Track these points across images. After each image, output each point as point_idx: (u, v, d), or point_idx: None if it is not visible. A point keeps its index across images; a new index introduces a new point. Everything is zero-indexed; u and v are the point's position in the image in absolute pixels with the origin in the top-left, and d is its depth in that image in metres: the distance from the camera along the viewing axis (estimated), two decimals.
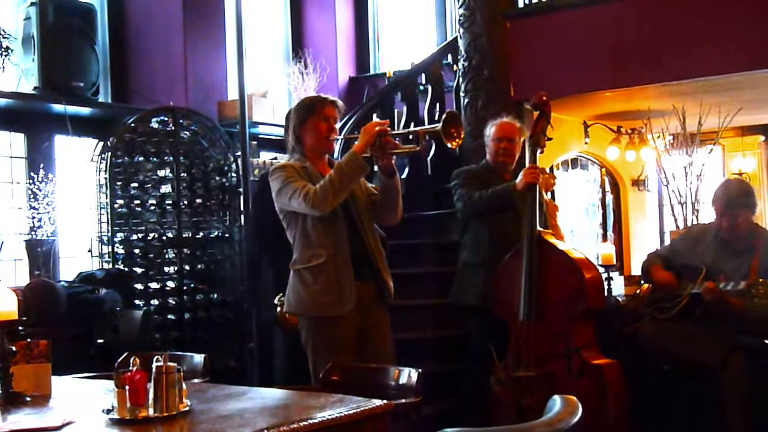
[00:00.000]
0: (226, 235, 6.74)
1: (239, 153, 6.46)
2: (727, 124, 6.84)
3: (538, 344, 4.63)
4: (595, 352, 4.70)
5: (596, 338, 4.74)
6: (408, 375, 3.23)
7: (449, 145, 3.80)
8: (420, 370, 3.21)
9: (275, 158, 7.50)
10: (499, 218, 4.93)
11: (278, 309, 4.81)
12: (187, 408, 2.55)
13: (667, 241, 7.71)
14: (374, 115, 7.43)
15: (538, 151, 4.85)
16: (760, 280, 4.32)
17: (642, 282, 5.09)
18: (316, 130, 3.94)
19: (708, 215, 5.21)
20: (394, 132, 3.90)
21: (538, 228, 4.74)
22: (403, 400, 3.08)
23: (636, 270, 6.13)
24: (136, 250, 6.29)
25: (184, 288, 6.49)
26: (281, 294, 4.32)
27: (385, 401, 2.65)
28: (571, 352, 4.57)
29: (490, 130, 5.11)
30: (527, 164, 4.81)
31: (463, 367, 5.31)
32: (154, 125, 6.48)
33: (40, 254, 5.81)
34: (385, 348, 3.98)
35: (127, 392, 2.48)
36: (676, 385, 4.81)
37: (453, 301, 5.12)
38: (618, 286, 6.24)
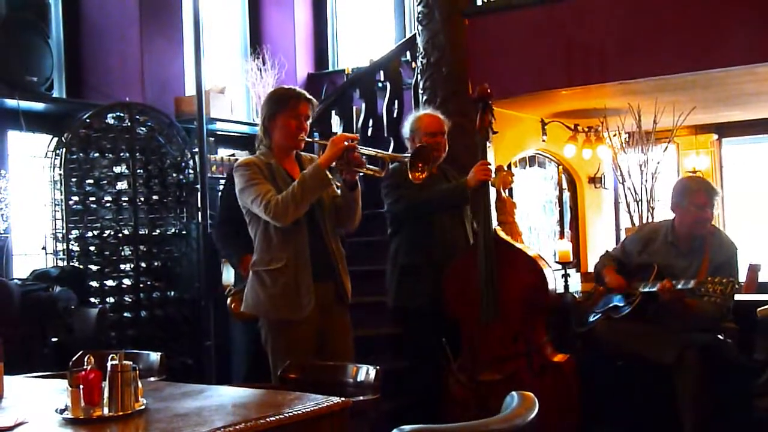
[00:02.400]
0: (183, 232, 6.68)
1: (196, 149, 6.41)
2: (681, 123, 6.94)
3: (496, 344, 4.65)
4: (551, 349, 4.74)
5: (550, 335, 4.77)
6: (366, 372, 3.23)
7: (410, 177, 3.73)
8: (378, 367, 3.22)
9: (233, 155, 7.45)
10: (439, 218, 4.82)
11: (228, 300, 4.79)
12: (143, 407, 2.52)
13: (623, 238, 7.80)
14: (333, 112, 7.43)
15: (488, 144, 4.82)
16: (709, 278, 4.38)
17: (596, 283, 5.14)
18: (286, 127, 3.87)
19: (663, 212, 5.27)
20: (362, 150, 3.82)
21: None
22: (362, 398, 3.08)
23: (592, 267, 6.19)
24: (92, 248, 6.21)
25: (141, 285, 6.43)
26: (231, 286, 4.30)
27: (343, 399, 2.65)
28: (531, 351, 4.60)
29: (418, 124, 4.91)
30: (479, 160, 4.77)
31: (413, 366, 5.24)
32: (110, 121, 6.40)
33: None
34: (344, 347, 3.97)
35: (81, 391, 2.45)
36: (630, 381, 4.86)
37: (395, 305, 4.94)
38: (575, 283, 6.29)
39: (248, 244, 4.03)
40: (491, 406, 4.37)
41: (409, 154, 3.74)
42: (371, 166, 3.92)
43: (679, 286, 4.47)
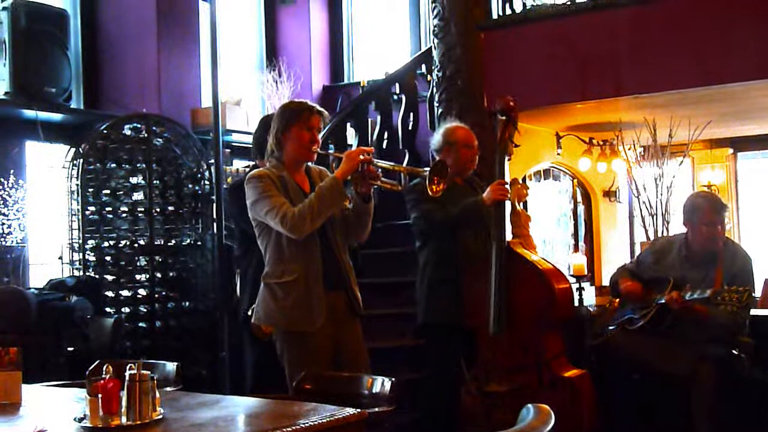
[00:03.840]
0: (198, 243, 6.72)
1: (212, 161, 6.44)
2: (696, 137, 6.92)
3: (508, 356, 4.64)
4: (564, 363, 4.71)
5: (565, 348, 4.75)
6: (381, 384, 3.23)
7: (428, 190, 3.71)
8: (393, 378, 3.22)
9: (248, 166, 7.47)
10: (463, 233, 4.84)
11: (252, 320, 4.80)
12: (161, 416, 2.54)
13: (638, 252, 7.78)
14: (348, 125, 7.45)
15: (507, 159, 4.83)
16: (725, 287, 4.38)
17: (611, 296, 5.13)
18: (299, 139, 3.88)
19: (678, 227, 5.26)
20: (378, 163, 3.83)
21: (508, 238, 4.74)
22: (377, 409, 3.08)
23: (607, 280, 6.18)
24: (108, 258, 6.25)
25: (156, 296, 6.46)
26: (255, 305, 4.30)
27: (358, 410, 2.65)
28: (541, 364, 4.58)
29: (455, 137, 4.92)
30: (497, 176, 4.79)
31: (431, 380, 5.23)
32: (127, 132, 6.45)
33: (10, 261, 5.77)
34: (359, 358, 3.97)
35: (99, 400, 2.47)
36: (646, 395, 4.85)
37: (424, 321, 4.91)
38: (589, 297, 6.28)
39: None
40: (497, 418, 4.40)
41: (428, 168, 3.74)
42: (388, 180, 3.91)
43: (695, 296, 4.47)
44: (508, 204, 6.02)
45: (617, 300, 5.04)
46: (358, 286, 4.04)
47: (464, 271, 4.79)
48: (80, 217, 6.13)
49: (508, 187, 4.80)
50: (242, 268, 5.03)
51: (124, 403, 2.49)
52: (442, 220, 4.73)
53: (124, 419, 2.48)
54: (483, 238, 4.85)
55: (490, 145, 4.98)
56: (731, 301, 4.32)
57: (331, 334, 3.87)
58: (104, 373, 2.51)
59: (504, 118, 4.80)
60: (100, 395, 2.47)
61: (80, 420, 2.52)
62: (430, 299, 4.87)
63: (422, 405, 5.00)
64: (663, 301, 4.63)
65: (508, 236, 4.92)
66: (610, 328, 4.96)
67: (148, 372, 2.53)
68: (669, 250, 4.95)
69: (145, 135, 6.48)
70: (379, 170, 3.85)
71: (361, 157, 3.76)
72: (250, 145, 4.88)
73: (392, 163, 4.03)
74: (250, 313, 4.30)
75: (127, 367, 2.51)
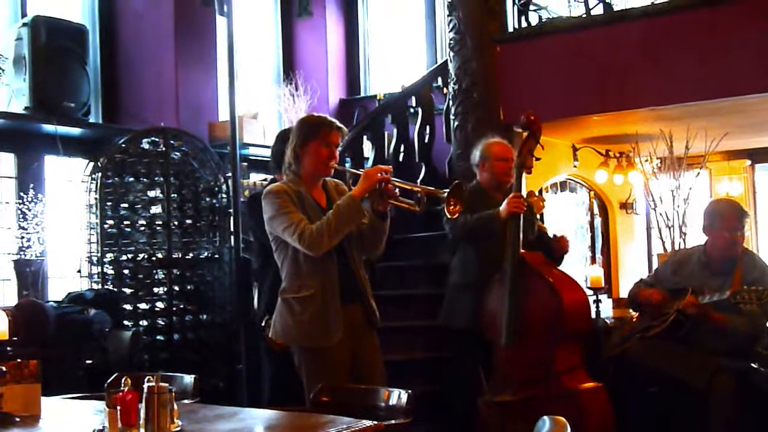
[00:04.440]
0: (216, 256, 6.74)
1: (230, 174, 6.47)
2: (713, 148, 6.90)
3: (521, 368, 4.64)
4: (579, 376, 4.68)
5: (583, 361, 4.74)
6: (398, 396, 3.24)
7: (445, 211, 3.78)
8: (410, 391, 3.22)
9: (265, 179, 7.51)
10: (485, 240, 4.93)
11: (268, 332, 4.81)
12: (179, 429, 2.55)
13: (655, 265, 7.75)
14: (364, 137, 7.48)
15: (524, 173, 4.86)
16: (744, 287, 4.37)
17: (629, 309, 5.12)
18: (317, 155, 3.89)
19: (696, 238, 5.25)
20: (395, 182, 3.84)
21: (523, 250, 4.75)
22: (393, 421, 3.08)
23: (624, 293, 6.15)
24: (126, 271, 6.28)
25: (174, 309, 6.48)
26: (268, 317, 4.31)
27: (374, 422, 2.66)
28: (551, 377, 4.58)
29: (489, 152, 5.05)
30: (514, 189, 4.82)
31: (449, 388, 5.28)
32: (145, 146, 6.49)
33: (29, 274, 5.80)
34: (376, 370, 3.98)
35: (118, 412, 2.49)
36: (664, 406, 4.83)
37: (443, 323, 5.11)
38: (606, 309, 6.26)
39: None
40: (511, 429, 4.39)
41: (446, 190, 3.75)
42: (405, 200, 3.91)
43: (715, 298, 4.47)
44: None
45: (636, 314, 5.03)
46: (374, 298, 4.06)
47: (484, 280, 4.83)
48: (99, 230, 6.17)
49: (524, 199, 4.83)
50: (260, 281, 5.06)
51: (142, 415, 2.51)
52: (460, 226, 4.83)
53: (142, 431, 2.50)
54: (503, 246, 4.87)
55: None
56: (751, 301, 4.31)
57: (349, 347, 3.88)
58: (123, 385, 2.53)
59: (526, 132, 4.84)
60: (118, 407, 2.49)
61: None
62: (450, 303, 5.06)
63: (441, 414, 5.04)
64: (681, 307, 4.62)
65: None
66: (628, 338, 4.94)
67: (167, 384, 2.55)
68: (688, 260, 4.95)
69: (163, 149, 6.53)
70: (397, 189, 3.86)
71: (379, 175, 3.77)
72: (268, 159, 4.91)
73: (411, 184, 4.03)
74: (263, 324, 4.32)
75: (146, 380, 2.53)
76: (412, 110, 7.71)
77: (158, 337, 6.37)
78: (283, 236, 3.83)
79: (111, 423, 2.50)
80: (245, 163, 7.40)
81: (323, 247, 3.74)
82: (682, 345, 4.69)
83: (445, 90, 7.19)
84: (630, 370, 4.88)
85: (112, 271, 6.22)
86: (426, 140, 7.44)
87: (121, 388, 2.52)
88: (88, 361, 5.31)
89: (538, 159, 4.96)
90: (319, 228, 3.73)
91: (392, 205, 3.88)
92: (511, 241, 4.71)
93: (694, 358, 4.63)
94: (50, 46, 6.22)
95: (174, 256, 6.51)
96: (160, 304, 6.43)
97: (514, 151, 5.06)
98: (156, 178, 6.47)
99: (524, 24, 6.56)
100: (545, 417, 2.20)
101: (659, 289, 4.88)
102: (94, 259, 6.17)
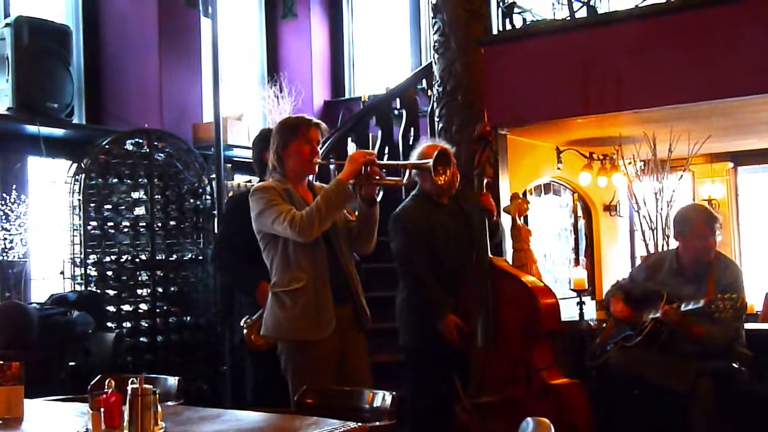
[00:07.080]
0: (200, 258, 6.73)
1: (214, 175, 6.46)
2: (696, 151, 6.93)
3: (498, 369, 4.64)
4: (555, 373, 4.70)
5: (555, 359, 4.75)
6: (382, 398, 3.24)
7: (438, 181, 3.82)
8: (394, 392, 3.22)
9: (249, 181, 7.51)
10: (445, 249, 4.79)
11: (244, 331, 4.79)
12: (162, 430, 2.54)
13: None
14: (349, 139, 7.48)
15: (485, 180, 4.83)
16: (719, 295, 4.38)
17: (607, 313, 5.13)
18: (299, 153, 3.92)
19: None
20: (381, 162, 3.88)
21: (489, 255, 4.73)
22: (378, 423, 3.09)
23: None
24: (109, 273, 6.27)
25: (157, 310, 6.47)
26: (247, 317, 4.31)
27: (359, 424, 2.66)
28: (531, 375, 4.59)
29: (428, 155, 4.93)
30: (475, 191, 4.73)
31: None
32: (129, 147, 6.48)
33: (12, 276, 5.79)
34: (362, 372, 3.98)
35: (102, 414, 2.48)
36: (647, 411, 4.84)
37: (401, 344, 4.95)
38: (590, 311, 6.28)
39: (264, 271, 4.05)
40: (492, 430, 4.38)
41: (431, 161, 3.79)
42: (391, 177, 3.96)
43: (690, 307, 4.48)
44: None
45: (612, 320, 5.04)
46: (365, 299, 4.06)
47: (447, 288, 4.77)
48: (82, 231, 6.15)
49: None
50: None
51: (126, 417, 2.50)
52: (414, 285, 4.77)
53: None
54: (465, 250, 4.80)
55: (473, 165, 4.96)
56: (726, 310, 4.33)
57: (336, 345, 3.89)
58: (106, 387, 2.52)
59: (482, 143, 4.81)
60: (102, 409, 2.48)
61: None
62: (404, 323, 4.90)
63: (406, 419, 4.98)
64: (658, 315, 4.63)
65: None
66: (608, 348, 4.95)
67: (150, 386, 2.54)
68: (660, 267, 4.96)
69: (147, 150, 6.51)
70: (383, 170, 3.89)
71: (365, 158, 3.80)
72: (251, 160, 4.91)
73: (395, 162, 4.07)
74: (242, 324, 4.31)
75: (129, 382, 2.52)
76: (396, 112, 7.71)
77: (142, 339, 6.36)
78: (272, 229, 3.83)
79: (94, 425, 2.48)
80: (229, 165, 7.39)
81: (314, 232, 3.75)
82: (662, 352, 4.70)
83: (429, 92, 7.19)
84: (612, 376, 4.90)
85: (95, 273, 6.20)
86: (410, 142, 7.43)
87: (105, 390, 2.51)
88: (71, 363, 5.29)
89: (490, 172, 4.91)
90: (309, 212, 3.74)
91: (379, 185, 3.90)
92: (477, 242, 4.69)
93: (675, 364, 4.64)
94: (33, 47, 6.21)
95: (158, 257, 6.50)
96: (143, 306, 6.42)
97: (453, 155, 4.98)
98: (140, 180, 6.46)
99: (509, 26, 6.57)
100: (529, 418, 2.21)
101: (628, 307, 4.88)
102: (78, 260, 6.15)
